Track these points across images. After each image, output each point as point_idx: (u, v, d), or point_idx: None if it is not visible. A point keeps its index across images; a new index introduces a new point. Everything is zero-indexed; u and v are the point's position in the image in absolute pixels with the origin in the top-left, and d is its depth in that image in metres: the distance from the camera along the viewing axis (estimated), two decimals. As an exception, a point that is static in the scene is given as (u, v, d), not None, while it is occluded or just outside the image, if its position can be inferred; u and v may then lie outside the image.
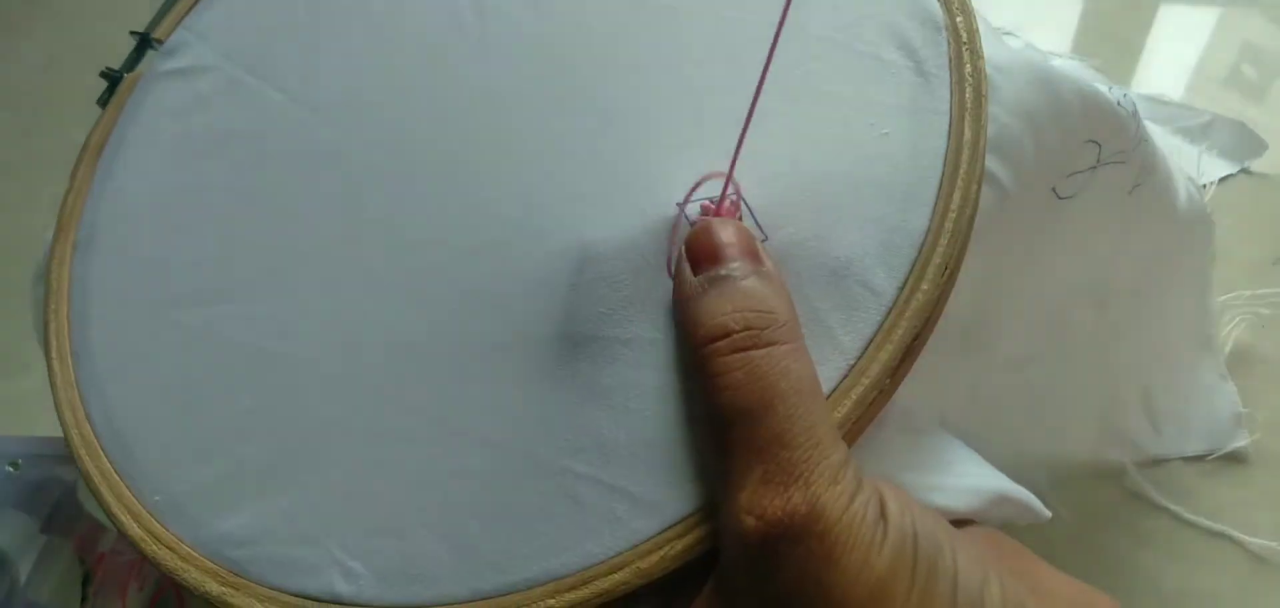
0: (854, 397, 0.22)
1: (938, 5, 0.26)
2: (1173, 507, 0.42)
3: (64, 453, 0.26)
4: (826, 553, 0.18)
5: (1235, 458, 0.44)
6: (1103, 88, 0.29)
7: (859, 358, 0.22)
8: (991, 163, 0.25)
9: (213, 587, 0.23)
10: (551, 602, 0.21)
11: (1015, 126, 0.26)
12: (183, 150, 0.31)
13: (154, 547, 0.24)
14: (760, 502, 0.19)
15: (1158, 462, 0.43)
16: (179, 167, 0.30)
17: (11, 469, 0.36)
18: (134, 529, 0.24)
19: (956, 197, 0.23)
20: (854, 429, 0.22)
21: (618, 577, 0.21)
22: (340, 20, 0.31)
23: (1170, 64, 0.65)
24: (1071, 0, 0.71)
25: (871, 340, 0.22)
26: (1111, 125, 0.30)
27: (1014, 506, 0.25)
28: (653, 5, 0.28)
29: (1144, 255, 0.37)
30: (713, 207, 0.23)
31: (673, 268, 0.23)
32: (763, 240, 0.23)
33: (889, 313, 0.22)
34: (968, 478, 0.24)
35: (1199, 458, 0.43)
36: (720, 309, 0.21)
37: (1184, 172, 0.38)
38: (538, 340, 0.24)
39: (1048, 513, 0.25)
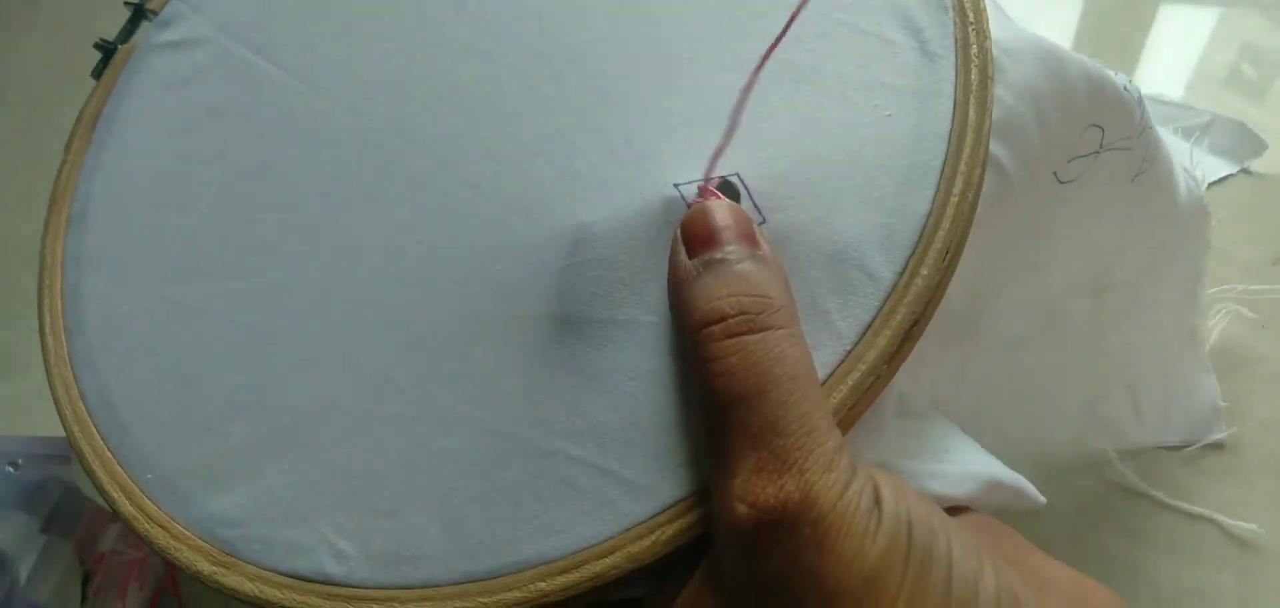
0: (850, 383, 0.21)
1: None
2: (1155, 493, 0.42)
3: (64, 453, 0.26)
4: (820, 541, 0.18)
5: (1216, 447, 0.44)
6: (1110, 74, 0.29)
7: (856, 344, 0.22)
8: (996, 147, 0.25)
9: (204, 566, 0.23)
10: (543, 584, 0.21)
11: (1021, 110, 0.26)
12: (177, 124, 0.30)
13: (146, 525, 0.24)
14: (753, 489, 0.18)
15: (1138, 451, 0.43)
16: (173, 140, 0.30)
17: (11, 469, 0.36)
18: (126, 507, 0.24)
19: (959, 181, 0.23)
20: (850, 416, 0.21)
21: (609, 561, 0.21)
22: (337, -7, 0.31)
23: (1170, 64, 0.64)
24: (1071, 0, 0.70)
25: (869, 326, 0.22)
26: (1117, 110, 0.29)
27: (1008, 491, 0.24)
28: None
29: (1143, 244, 0.36)
30: (708, 188, 0.23)
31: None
32: (760, 223, 0.23)
33: (887, 298, 0.22)
34: (963, 464, 0.24)
35: (1177, 448, 0.44)
36: (715, 293, 0.20)
37: (1182, 165, 0.37)
38: (532, 322, 0.24)
39: (1042, 499, 0.25)
